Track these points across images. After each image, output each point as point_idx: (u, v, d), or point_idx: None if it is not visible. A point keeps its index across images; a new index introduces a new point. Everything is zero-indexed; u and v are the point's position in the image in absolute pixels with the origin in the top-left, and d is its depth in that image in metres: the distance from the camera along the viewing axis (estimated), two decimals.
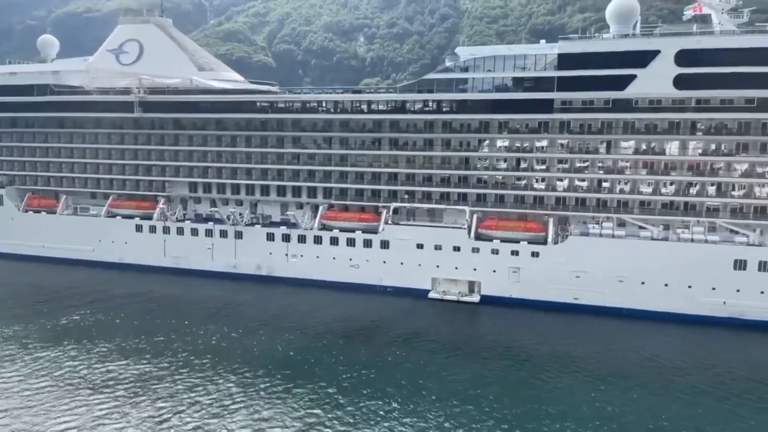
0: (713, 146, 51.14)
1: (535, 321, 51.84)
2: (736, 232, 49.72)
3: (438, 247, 56.75)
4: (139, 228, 67.48)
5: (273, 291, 60.46)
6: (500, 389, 38.32)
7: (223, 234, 64.24)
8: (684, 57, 49.26)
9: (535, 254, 53.69)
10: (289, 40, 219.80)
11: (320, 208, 62.35)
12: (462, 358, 43.35)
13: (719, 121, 50.17)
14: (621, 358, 43.51)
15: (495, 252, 54.92)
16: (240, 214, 63.75)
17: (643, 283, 50.78)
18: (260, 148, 64.21)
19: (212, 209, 65.34)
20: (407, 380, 39.34)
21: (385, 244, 58.58)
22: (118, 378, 39.04)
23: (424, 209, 59.85)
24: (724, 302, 48.84)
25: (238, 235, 63.77)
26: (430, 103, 58.00)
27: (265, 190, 65.07)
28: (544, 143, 55.47)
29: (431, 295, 57.17)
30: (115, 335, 46.71)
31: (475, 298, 55.75)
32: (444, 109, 57.67)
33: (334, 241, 60.35)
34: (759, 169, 49.77)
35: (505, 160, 56.85)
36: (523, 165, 56.27)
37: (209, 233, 64.75)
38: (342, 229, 60.31)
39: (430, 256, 56.98)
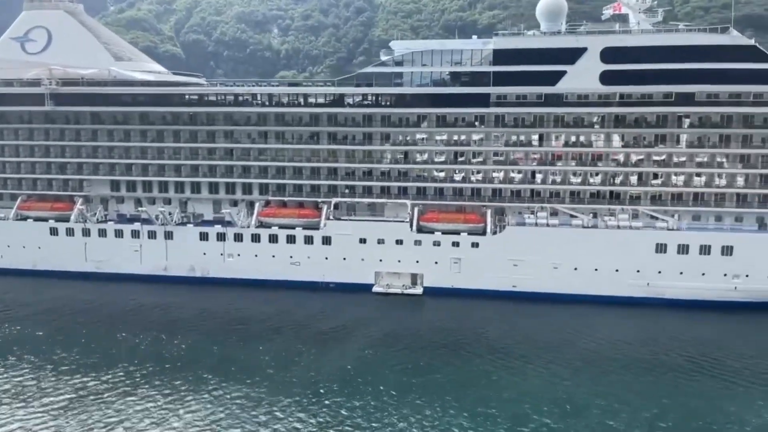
0: (635, 138, 54.89)
1: (476, 309, 53.34)
2: (657, 218, 53.75)
3: (381, 241, 56.92)
4: (54, 231, 62.25)
5: (209, 293, 58.04)
6: (447, 377, 39.11)
7: (152, 235, 60.71)
8: (608, 54, 52.44)
9: (474, 245, 55.24)
10: (199, 30, 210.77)
11: (257, 204, 60.49)
12: (407, 349, 43.82)
13: (640, 115, 53.88)
14: (561, 341, 45.68)
15: (437, 244, 55.91)
16: (170, 213, 60.50)
17: (575, 268, 53.71)
18: (190, 143, 61.20)
19: (139, 209, 61.53)
20: (353, 375, 39.26)
21: (326, 240, 57.92)
22: (42, 394, 36.36)
23: (364, 204, 59.73)
24: (648, 283, 52.72)
25: (169, 235, 60.53)
26: (370, 97, 57.81)
27: (196, 188, 62.15)
28: (481, 136, 57.06)
29: (375, 289, 57.30)
30: (33, 348, 43.22)
31: (419, 290, 56.55)
32: (383, 103, 57.74)
33: (273, 238, 58.84)
34: (675, 159, 54.06)
35: (444, 154, 57.92)
36: (460, 158, 57.61)
37: (136, 234, 60.97)
38: (281, 226, 58.95)
39: (372, 251, 57.03)
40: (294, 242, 58.54)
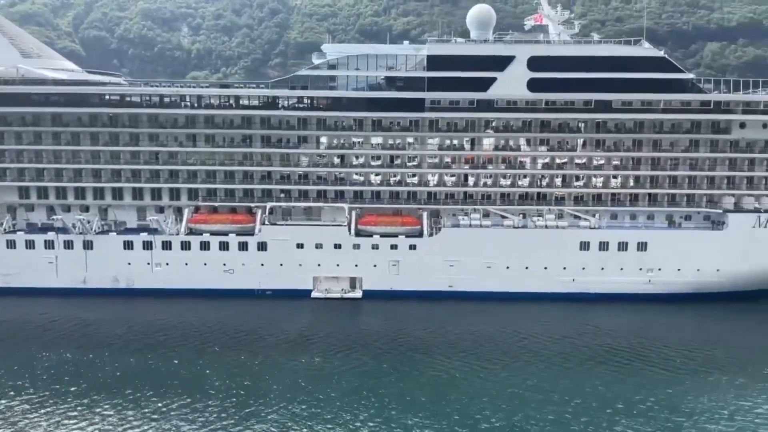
0: (559, 143, 58.15)
1: (415, 311, 54.17)
2: (580, 218, 57.26)
3: (319, 246, 56.39)
4: None
5: (135, 305, 54.79)
6: (398, 378, 39.43)
7: (69, 245, 56.40)
8: (534, 63, 55.31)
9: (412, 247, 56.14)
10: (100, 26, 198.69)
11: (186, 211, 57.91)
12: (353, 354, 43.70)
13: (564, 121, 57.21)
14: (499, 337, 47.50)
15: (375, 247, 56.25)
16: (88, 221, 56.49)
17: (507, 267, 56.03)
18: (110, 146, 57.52)
19: (53, 217, 56.96)
20: (303, 383, 38.47)
21: (262, 246, 56.52)
22: None
23: (300, 208, 58.96)
24: (573, 279, 56.04)
25: (88, 245, 56.51)
26: (305, 100, 57.17)
27: (117, 194, 58.48)
28: (416, 140, 58.16)
29: (314, 294, 56.69)
30: None
31: (358, 294, 56.59)
32: (318, 106, 57.30)
33: (204, 245, 56.56)
34: (595, 162, 57.88)
35: (380, 158, 58.43)
36: (396, 162, 58.38)
37: (50, 245, 56.37)
38: (213, 233, 56.80)
39: (311, 256, 56.38)
40: (227, 249, 56.63)
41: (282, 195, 58.47)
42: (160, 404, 35.40)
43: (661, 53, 56.53)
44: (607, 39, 59.71)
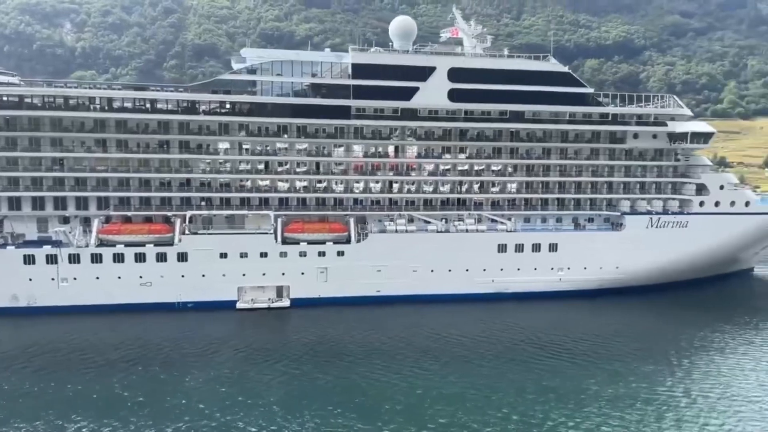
0: (477, 150, 61.04)
1: (344, 317, 54.20)
2: (497, 222, 60.44)
3: (244, 255, 54.92)
4: None
5: (39, 324, 50.02)
6: (328, 384, 39.25)
7: None
8: (454, 74, 57.85)
9: (340, 253, 56.32)
10: None
11: (95, 221, 54.02)
12: (282, 362, 42.88)
13: (481, 130, 60.19)
14: (426, 338, 48.54)
15: (303, 255, 55.78)
16: None
17: (432, 270, 57.88)
18: (6, 151, 52.39)
19: None
20: (232, 394, 37.45)
21: (183, 257, 54.03)
22: None
23: (221, 216, 57.10)
24: (493, 280, 59.01)
25: None
26: (227, 105, 55.56)
27: (15, 203, 53.36)
28: (341, 147, 58.51)
29: (239, 305, 55.06)
30: None
31: (286, 303, 55.74)
32: (241, 112, 55.90)
33: (118, 257, 53.07)
34: (510, 169, 61.41)
35: (306, 164, 58.10)
36: (322, 168, 58.34)
37: None
38: (128, 244, 53.45)
39: (235, 265, 54.76)
40: (144, 261, 53.54)
41: (203, 203, 56.32)
42: (81, 429, 32.82)
43: (565, 69, 61.31)
44: (510, 54, 63.20)
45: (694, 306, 59.26)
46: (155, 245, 53.80)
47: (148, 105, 54.76)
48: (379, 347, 46.28)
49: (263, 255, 55.23)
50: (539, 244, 59.50)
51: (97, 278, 52.75)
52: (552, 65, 60.13)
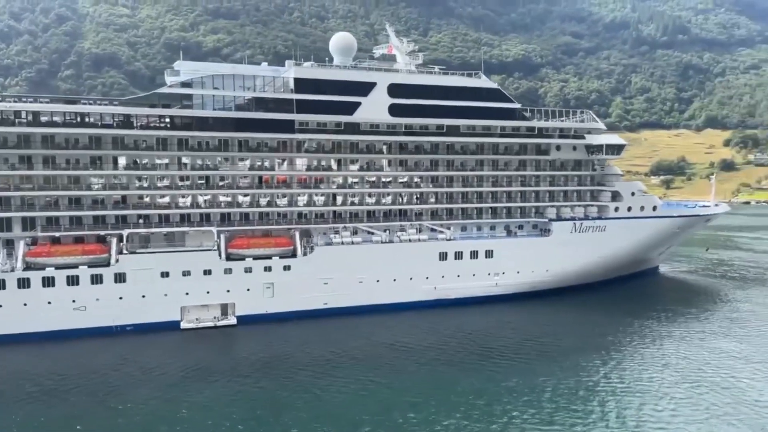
0: (416, 163, 63.11)
1: (291, 331, 53.98)
2: (437, 231, 62.79)
3: (187, 273, 53.20)
4: None
5: None
6: (269, 402, 38.59)
7: None
8: (393, 90, 59.75)
9: (287, 268, 56.07)
10: None
11: (21, 243, 50.22)
12: (225, 380, 41.91)
13: (420, 143, 62.42)
14: (374, 349, 48.88)
15: (248, 270, 54.95)
16: None
17: (378, 281, 59.03)
18: None
19: None
20: (165, 419, 36.02)
21: (120, 278, 51.46)
22: None
23: (159, 234, 55.01)
24: (435, 287, 61.14)
25: None
26: (167, 119, 53.82)
27: None
28: (285, 162, 58.45)
29: (183, 325, 53.20)
30: None
31: (232, 321, 54.55)
32: (182, 126, 54.33)
33: (48, 281, 49.60)
34: (447, 180, 63.94)
35: (248, 178, 57.42)
36: (266, 183, 57.88)
37: None
38: (59, 266, 50.11)
39: (177, 284, 52.89)
40: (77, 284, 50.44)
41: (140, 221, 54.02)
42: None
43: (495, 85, 65.18)
44: (445, 71, 66.28)
45: (615, 302, 64.72)
46: (89, 266, 50.85)
47: (78, 119, 51.78)
48: (329, 360, 45.96)
49: (207, 272, 53.82)
50: (477, 251, 62.48)
51: (25, 305, 49.01)
52: (483, 82, 63.74)
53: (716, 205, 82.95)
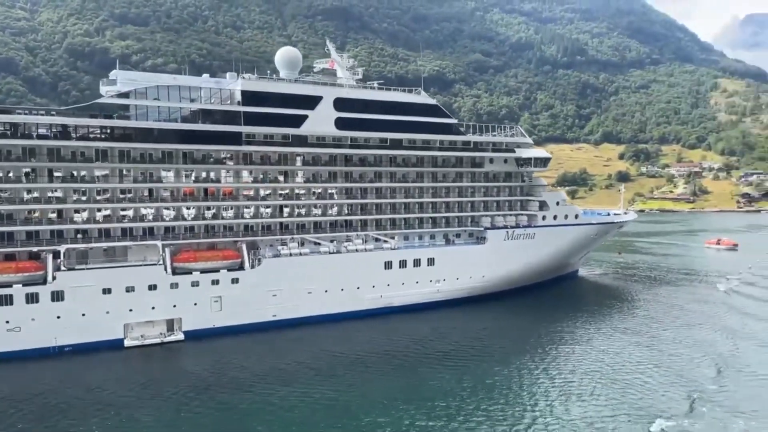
0: (360, 175, 64.59)
1: (240, 345, 53.40)
2: (381, 240, 64.56)
3: (130, 289, 51.38)
4: None
5: None
6: (222, 416, 38.49)
7: None
8: (339, 104, 61.10)
9: (235, 280, 55.53)
10: None
11: None
12: (171, 399, 41.16)
13: (364, 156, 64.08)
14: (320, 359, 49.30)
15: (195, 284, 53.90)
16: None
17: (326, 291, 59.77)
18: None
19: None
20: None
21: (58, 296, 48.86)
22: None
23: (99, 249, 52.75)
24: (381, 296, 62.79)
25: None
26: (107, 130, 51.86)
27: None
28: (230, 173, 57.94)
29: (128, 343, 51.25)
30: None
31: (179, 336, 53.17)
32: (124, 137, 52.56)
33: None
34: (389, 191, 65.99)
35: (193, 191, 56.37)
36: (211, 195, 57.08)
37: None
38: None
39: (120, 300, 50.95)
40: (10, 303, 47.40)
41: (80, 236, 51.58)
42: None
43: (434, 101, 68.27)
44: (387, 87, 68.66)
45: (544, 305, 69.36)
46: (24, 285, 47.90)
47: (10, 129, 48.77)
48: (274, 374, 45.67)
49: (152, 287, 52.27)
50: (419, 260, 64.89)
51: None
52: (423, 98, 66.57)
53: (625, 212, 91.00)
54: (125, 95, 53.50)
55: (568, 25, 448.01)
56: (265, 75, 62.34)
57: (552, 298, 72.74)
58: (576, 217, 76.68)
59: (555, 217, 74.50)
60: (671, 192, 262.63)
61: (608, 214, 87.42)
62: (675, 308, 66.57)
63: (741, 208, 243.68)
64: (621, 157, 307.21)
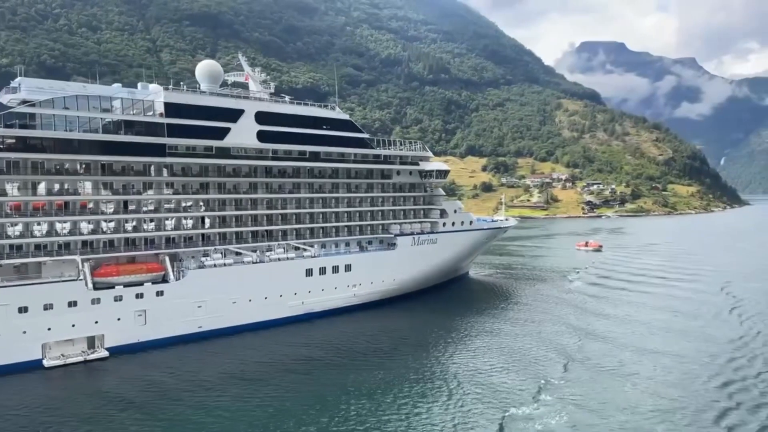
0: (280, 186, 66.30)
1: (165, 358, 52.57)
2: (301, 249, 66.76)
3: (48, 307, 48.73)
4: None
5: None
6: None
7: None
8: (260, 117, 62.61)
9: (159, 293, 54.67)
10: None
11: None
12: (86, 419, 39.99)
13: (284, 168, 65.95)
14: (246, 368, 50.12)
15: (118, 299, 52.34)
16: None
17: (250, 300, 60.68)
18: None
19: None
20: None
21: None
22: None
23: (9, 267, 49.33)
24: (303, 302, 64.93)
25: None
26: (12, 141, 48.68)
27: None
28: (152, 186, 56.92)
29: (47, 363, 48.47)
30: None
31: (103, 353, 51.20)
32: (38, 148, 49.70)
33: None
34: (308, 202, 68.45)
35: (112, 203, 54.60)
36: (131, 207, 55.66)
37: None
38: None
39: (37, 319, 48.14)
40: None
41: None
42: None
43: (347, 116, 72.05)
44: (303, 102, 71.16)
45: (443, 303, 74.97)
46: None
47: None
48: (199, 386, 45.72)
49: (72, 304, 49.99)
50: (338, 266, 68.07)
51: None
52: (337, 113, 70.10)
53: (506, 219, 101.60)
54: (32, 104, 50.59)
55: (432, 45, 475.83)
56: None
57: (449, 298, 78.72)
58: (471, 223, 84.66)
59: (453, 224, 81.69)
60: (528, 201, 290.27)
61: (493, 221, 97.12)
62: (538, 303, 73.89)
63: (585, 214, 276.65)
64: (484, 169, 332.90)
